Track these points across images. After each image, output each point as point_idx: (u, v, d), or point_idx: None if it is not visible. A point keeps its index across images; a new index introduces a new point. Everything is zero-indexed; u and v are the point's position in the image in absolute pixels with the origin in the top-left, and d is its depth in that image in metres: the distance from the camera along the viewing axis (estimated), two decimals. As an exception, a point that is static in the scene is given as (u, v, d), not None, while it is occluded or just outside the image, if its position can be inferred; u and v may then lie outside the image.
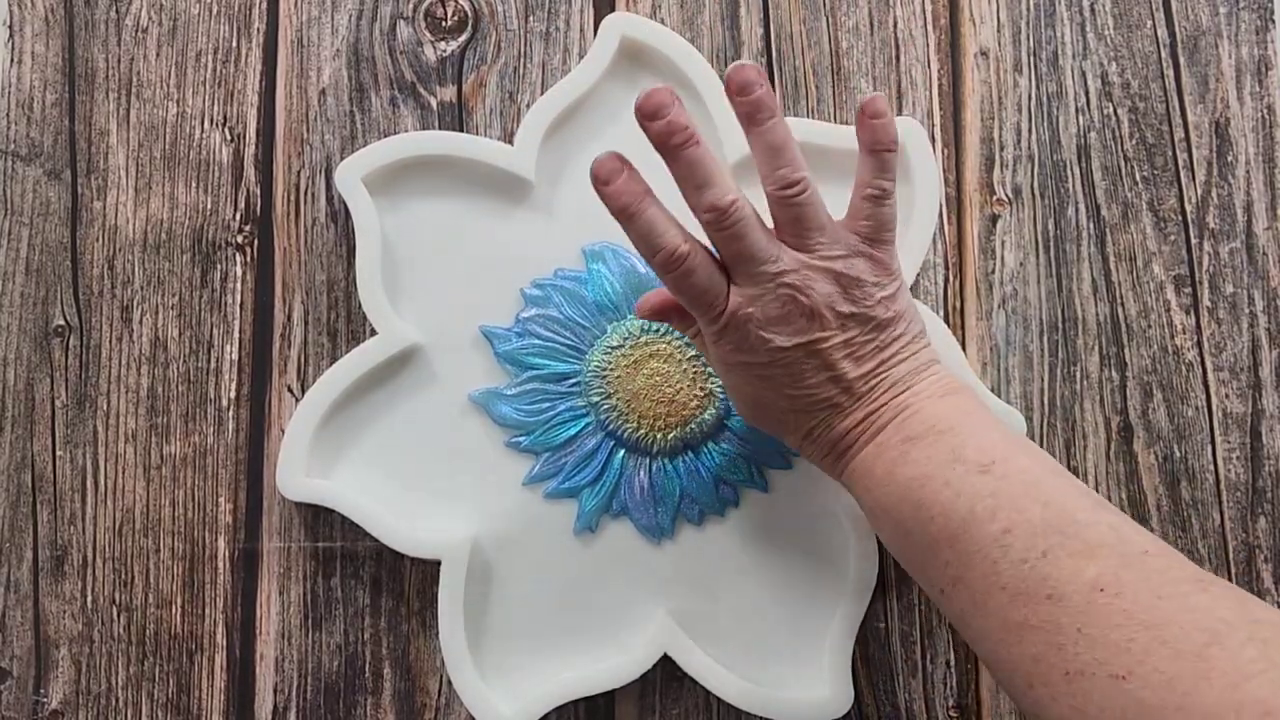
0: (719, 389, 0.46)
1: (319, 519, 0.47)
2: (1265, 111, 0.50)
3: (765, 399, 0.38)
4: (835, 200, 0.48)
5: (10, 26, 0.49)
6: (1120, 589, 0.29)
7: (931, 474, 0.35)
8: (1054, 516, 0.32)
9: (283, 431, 0.47)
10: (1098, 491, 0.48)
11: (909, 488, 0.35)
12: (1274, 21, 0.50)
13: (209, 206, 0.48)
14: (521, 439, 0.47)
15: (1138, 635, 0.28)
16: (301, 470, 0.45)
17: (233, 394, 0.48)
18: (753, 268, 0.36)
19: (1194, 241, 0.49)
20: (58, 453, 0.47)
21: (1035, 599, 0.30)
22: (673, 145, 0.35)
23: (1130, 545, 0.31)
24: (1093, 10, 0.50)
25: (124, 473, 0.47)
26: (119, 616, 0.47)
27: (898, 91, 0.49)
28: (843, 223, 0.38)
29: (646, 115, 0.35)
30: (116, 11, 0.49)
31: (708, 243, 0.38)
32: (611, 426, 0.46)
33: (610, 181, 0.36)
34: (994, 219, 0.49)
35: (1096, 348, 0.48)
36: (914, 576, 0.36)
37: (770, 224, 0.38)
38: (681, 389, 0.46)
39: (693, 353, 0.46)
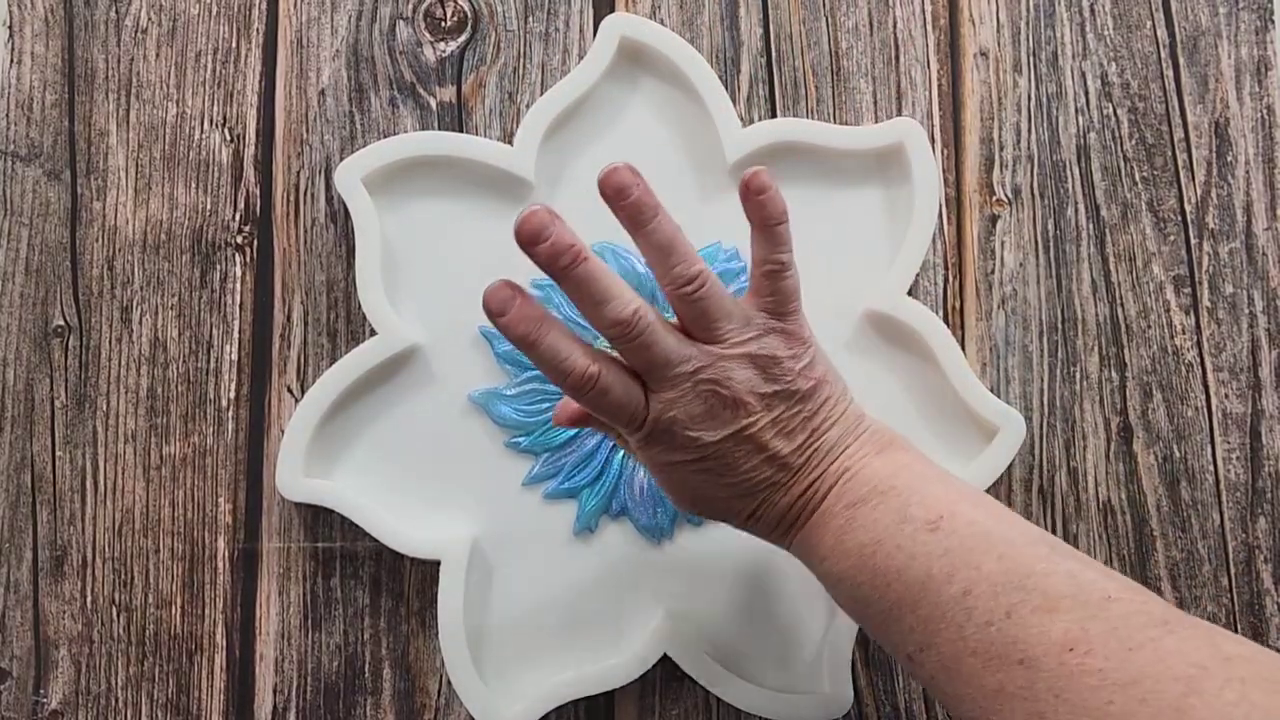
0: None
1: (319, 519, 0.47)
2: (1265, 112, 0.50)
3: (704, 492, 0.38)
4: (835, 201, 0.48)
5: (10, 27, 0.49)
6: (1090, 645, 0.29)
7: (881, 538, 0.34)
8: (1012, 570, 0.32)
9: (282, 432, 0.47)
10: (1098, 492, 0.48)
11: (861, 555, 0.35)
12: (1274, 22, 0.50)
13: (209, 207, 0.48)
14: (521, 439, 0.47)
15: (1115, 697, 0.28)
16: (301, 470, 0.45)
17: (232, 394, 0.48)
18: (667, 372, 0.35)
19: (1194, 242, 0.49)
20: (57, 453, 0.47)
21: (1008, 663, 0.30)
22: (561, 267, 0.34)
23: (1092, 593, 0.31)
24: (1092, 10, 0.50)
25: (124, 473, 0.47)
26: (119, 617, 0.47)
27: (897, 92, 0.49)
28: (746, 301, 0.37)
29: (527, 240, 0.33)
30: (116, 12, 0.49)
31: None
32: (611, 427, 0.46)
33: (505, 312, 0.34)
34: (994, 219, 0.49)
35: (1096, 348, 0.48)
36: (879, 642, 0.36)
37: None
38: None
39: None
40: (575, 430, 0.46)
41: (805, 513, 0.37)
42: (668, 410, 0.36)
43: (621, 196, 0.35)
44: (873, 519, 0.35)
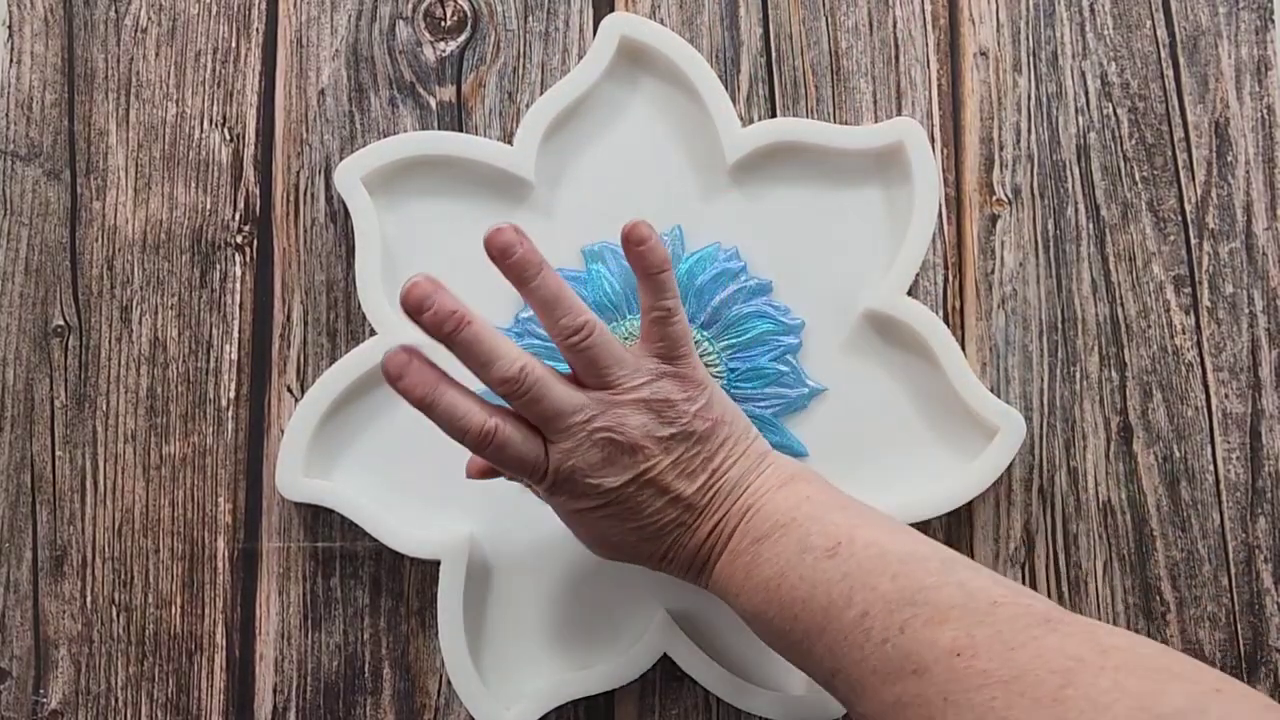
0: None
1: (318, 519, 0.47)
2: (1265, 111, 0.50)
3: (613, 536, 0.39)
4: (835, 201, 0.48)
5: (10, 26, 0.49)
6: (975, 649, 0.30)
7: (785, 570, 0.35)
8: (905, 587, 0.33)
9: (282, 432, 0.47)
10: (1098, 492, 0.48)
11: (768, 589, 0.36)
12: (1274, 21, 0.50)
13: (208, 206, 0.48)
14: (521, 439, 0.47)
15: (998, 693, 0.29)
16: (301, 470, 0.45)
17: (232, 394, 0.48)
18: (560, 423, 0.36)
19: (1194, 241, 0.49)
20: (57, 453, 0.47)
21: (902, 675, 0.31)
22: (446, 333, 0.35)
23: (979, 600, 0.32)
24: (1092, 10, 0.50)
25: (123, 473, 0.47)
26: (118, 616, 0.47)
27: (897, 91, 0.49)
28: (638, 348, 0.38)
29: (412, 310, 0.35)
30: (116, 11, 0.49)
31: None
32: (611, 426, 0.46)
33: (402, 376, 0.35)
34: (994, 219, 0.49)
35: (1096, 348, 0.48)
36: (803, 671, 0.37)
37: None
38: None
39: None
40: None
41: (715, 552, 0.38)
42: (566, 460, 0.36)
43: (505, 255, 0.36)
44: (776, 552, 0.36)
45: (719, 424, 0.38)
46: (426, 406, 0.36)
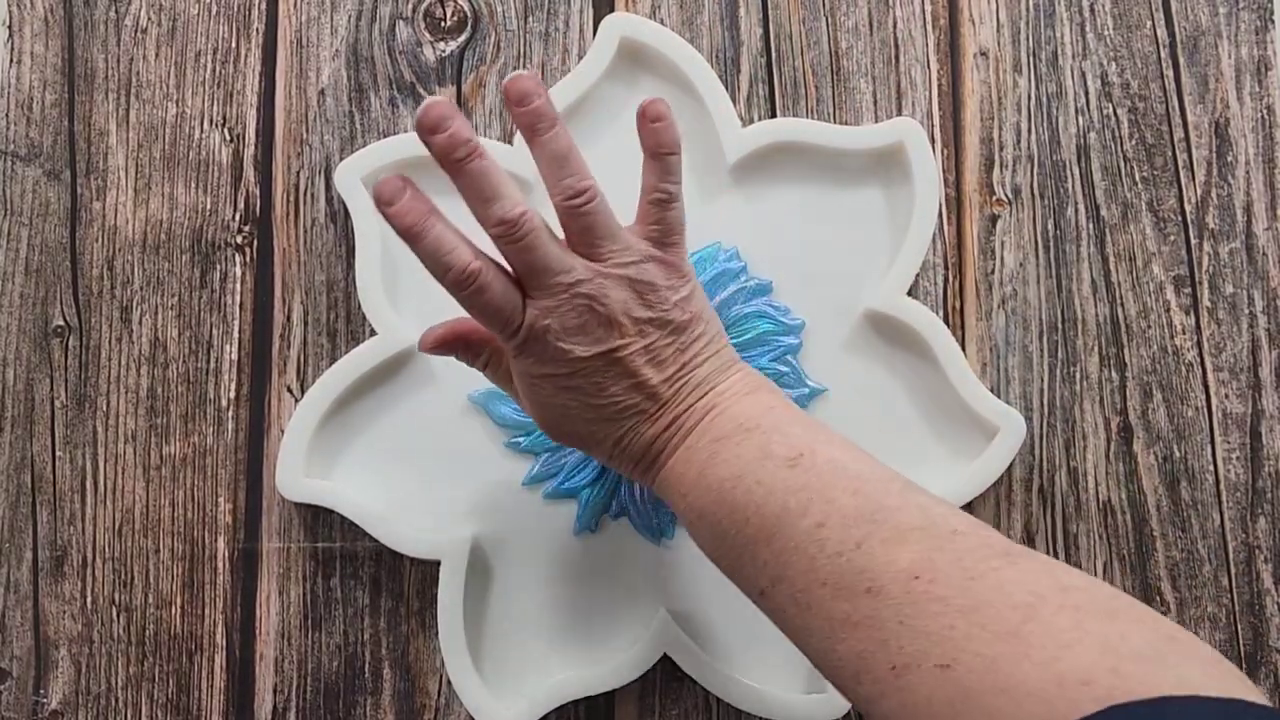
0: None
1: (319, 519, 0.47)
2: (1265, 111, 0.50)
3: (571, 412, 0.38)
4: (835, 201, 0.48)
5: (10, 26, 0.49)
6: (934, 575, 0.29)
7: (742, 473, 0.35)
8: (864, 504, 0.32)
9: (282, 432, 0.47)
10: (1098, 492, 0.48)
11: (721, 489, 0.35)
12: (1274, 21, 0.50)
13: (208, 207, 0.48)
14: (521, 439, 0.47)
15: (957, 622, 0.28)
16: (301, 470, 0.45)
17: (232, 394, 0.48)
18: (546, 279, 0.36)
19: (1194, 242, 0.49)
20: (57, 453, 0.47)
21: (855, 593, 0.30)
22: (456, 160, 0.34)
23: (940, 526, 0.31)
24: (1092, 10, 0.50)
25: (124, 473, 0.47)
26: (119, 617, 0.47)
27: (897, 91, 0.49)
28: (631, 229, 0.38)
29: (427, 129, 0.34)
30: (116, 12, 0.49)
31: (500, 259, 0.37)
32: (611, 427, 0.46)
33: (394, 202, 0.34)
34: (994, 219, 0.49)
35: (1096, 348, 0.48)
36: (731, 579, 0.36)
37: (562, 236, 0.37)
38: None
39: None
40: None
41: (670, 446, 0.37)
42: (543, 318, 0.36)
43: (523, 102, 0.35)
44: (735, 454, 0.35)
45: (696, 319, 0.38)
46: (414, 236, 0.35)
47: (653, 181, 0.37)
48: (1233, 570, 0.47)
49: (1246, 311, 0.49)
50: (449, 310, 0.47)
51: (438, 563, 0.45)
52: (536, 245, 0.35)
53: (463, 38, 0.49)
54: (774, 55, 0.49)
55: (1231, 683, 0.25)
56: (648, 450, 0.38)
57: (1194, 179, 0.49)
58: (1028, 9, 0.50)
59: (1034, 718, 0.25)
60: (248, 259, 0.48)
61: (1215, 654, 0.27)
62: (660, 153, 0.37)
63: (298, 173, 0.49)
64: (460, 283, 0.35)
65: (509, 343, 0.37)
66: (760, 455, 0.35)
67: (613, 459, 0.39)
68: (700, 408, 0.37)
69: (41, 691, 0.46)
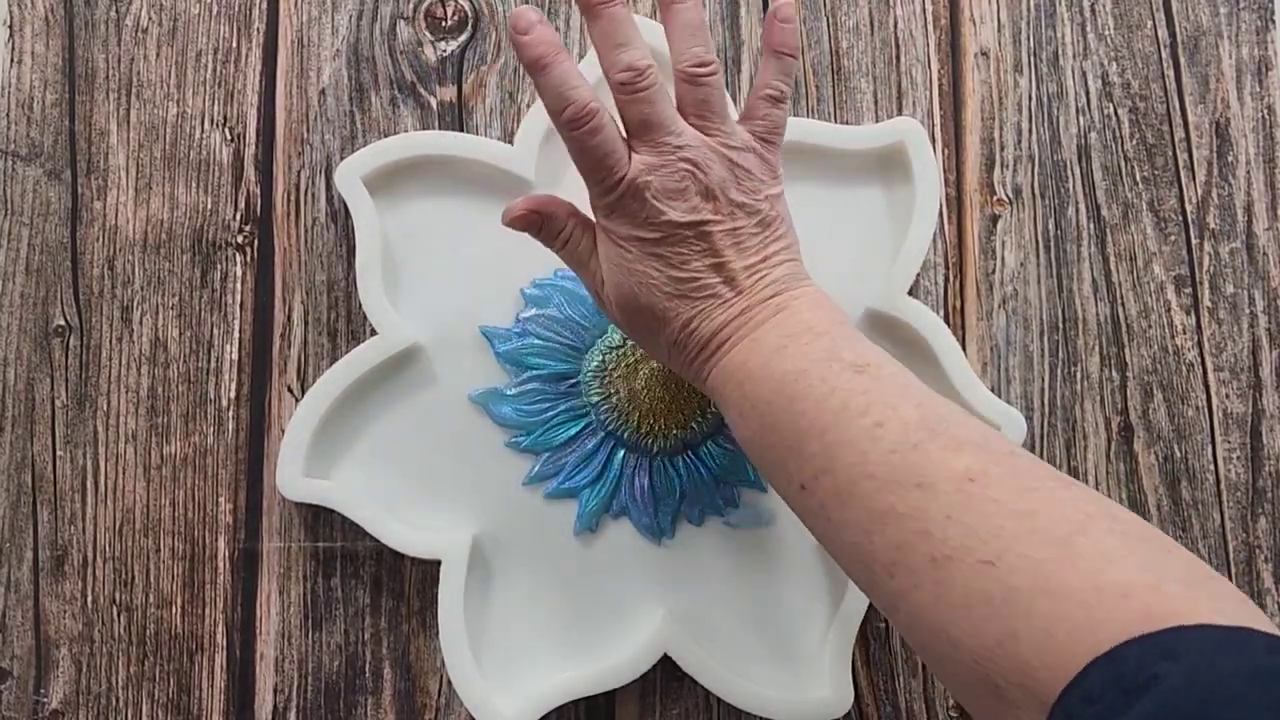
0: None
1: (319, 519, 0.47)
2: (1265, 111, 0.50)
3: (650, 281, 0.37)
4: (836, 201, 0.48)
5: (10, 26, 0.49)
6: (989, 481, 0.30)
7: (807, 369, 0.35)
8: (927, 415, 0.32)
9: (283, 431, 0.47)
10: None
11: (784, 381, 0.35)
12: (1274, 21, 0.50)
13: (209, 206, 0.48)
14: (521, 439, 0.47)
15: (1007, 523, 0.28)
16: (301, 470, 0.45)
17: (233, 394, 0.48)
18: (658, 135, 0.36)
19: (1194, 242, 0.49)
20: (58, 453, 0.47)
21: (904, 486, 0.30)
22: (596, 3, 0.36)
23: (998, 446, 0.31)
24: (1093, 10, 0.50)
25: (124, 473, 0.47)
26: (119, 616, 0.47)
27: (898, 91, 0.49)
28: (738, 121, 0.39)
29: None
30: (116, 11, 0.49)
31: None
32: (611, 426, 0.46)
33: (528, 31, 0.36)
34: (994, 219, 0.49)
35: (1097, 348, 0.48)
36: (769, 475, 0.36)
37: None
38: (681, 388, 0.46)
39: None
40: (575, 430, 0.46)
41: (737, 336, 0.37)
42: (646, 174, 0.36)
43: None
44: (803, 352, 0.35)
45: (781, 220, 0.39)
46: (541, 67, 0.36)
47: (768, 78, 0.39)
48: (1233, 570, 0.47)
49: (1247, 311, 0.49)
50: (451, 310, 0.47)
51: (438, 562, 0.45)
52: (656, 99, 0.36)
53: (463, 37, 0.49)
54: (774, 55, 0.49)
55: (1262, 623, 0.25)
56: (714, 335, 0.38)
57: (1194, 179, 0.49)
58: (1029, 9, 0.50)
59: (1071, 620, 0.26)
60: (248, 259, 0.48)
61: (1244, 597, 0.27)
62: (782, 52, 0.38)
63: (298, 172, 0.49)
64: (577, 119, 0.36)
65: (604, 198, 0.37)
66: (827, 356, 0.35)
67: (676, 344, 0.38)
68: (773, 305, 0.37)
69: (42, 691, 0.46)
